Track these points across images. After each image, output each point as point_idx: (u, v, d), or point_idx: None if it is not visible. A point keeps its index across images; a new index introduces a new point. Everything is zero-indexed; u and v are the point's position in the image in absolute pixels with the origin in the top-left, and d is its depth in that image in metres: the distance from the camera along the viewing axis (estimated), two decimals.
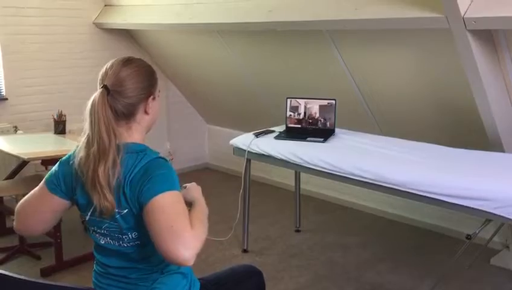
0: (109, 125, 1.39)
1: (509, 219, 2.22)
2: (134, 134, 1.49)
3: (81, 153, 1.43)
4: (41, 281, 1.58)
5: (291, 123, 3.36)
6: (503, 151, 2.91)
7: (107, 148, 1.38)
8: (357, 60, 3.37)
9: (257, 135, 3.24)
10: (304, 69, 3.76)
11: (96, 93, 1.42)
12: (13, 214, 1.56)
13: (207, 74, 4.61)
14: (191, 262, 1.31)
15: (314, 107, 3.30)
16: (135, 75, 1.46)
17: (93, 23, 4.61)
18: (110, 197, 1.39)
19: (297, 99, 3.34)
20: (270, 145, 3.11)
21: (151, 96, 1.51)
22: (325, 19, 2.99)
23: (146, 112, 1.50)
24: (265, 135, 3.26)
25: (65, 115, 3.92)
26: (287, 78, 3.96)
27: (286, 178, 4.39)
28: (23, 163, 3.70)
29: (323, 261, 3.35)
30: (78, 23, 4.52)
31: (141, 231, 1.43)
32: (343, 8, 2.90)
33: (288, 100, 3.36)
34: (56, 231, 3.19)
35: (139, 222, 1.42)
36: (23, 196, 3.74)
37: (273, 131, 3.35)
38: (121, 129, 1.45)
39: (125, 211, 1.42)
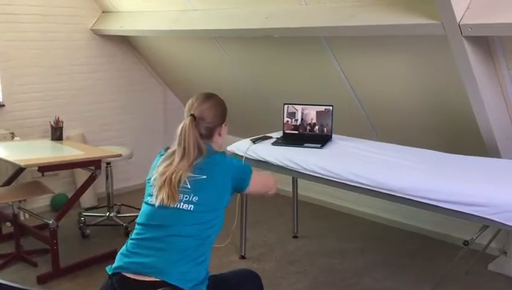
0: (196, 141, 1.87)
1: (506, 225, 2.22)
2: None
3: (167, 159, 1.88)
4: (37, 289, 1.57)
5: (288, 129, 3.37)
6: (499, 157, 2.91)
7: (190, 157, 1.84)
8: (354, 66, 3.38)
9: (254, 141, 3.24)
10: (301, 75, 3.77)
11: (186, 120, 1.90)
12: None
13: (204, 79, 4.62)
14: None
15: (311, 113, 3.30)
16: (213, 108, 1.97)
17: (91, 29, 4.61)
18: (176, 197, 1.79)
19: (294, 105, 3.35)
20: (267, 151, 3.11)
21: (224, 123, 2.02)
22: (321, 25, 3.00)
23: (220, 134, 2.01)
24: (263, 141, 3.26)
25: (62, 122, 3.92)
26: (284, 84, 3.97)
27: (283, 184, 4.38)
28: (20, 170, 3.69)
29: (321, 267, 3.35)
30: (76, 29, 4.52)
31: (202, 198, 1.80)
32: (339, 15, 2.91)
33: (285, 106, 3.37)
34: (53, 237, 3.18)
35: (206, 191, 1.81)
36: (20, 202, 3.74)
37: (270, 137, 3.35)
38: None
39: (202, 177, 1.83)
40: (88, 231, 3.88)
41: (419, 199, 2.44)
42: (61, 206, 3.49)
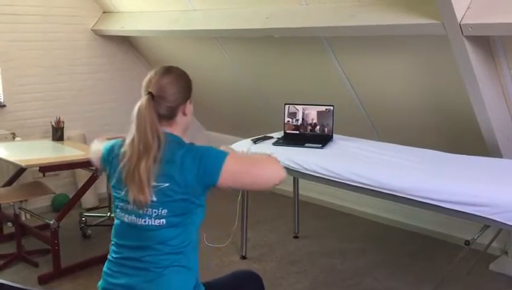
0: (153, 126, 1.60)
1: (508, 225, 2.22)
2: (175, 132, 1.70)
3: (127, 150, 1.62)
4: (38, 289, 1.58)
5: (289, 129, 3.37)
6: (501, 156, 2.91)
7: (150, 145, 1.58)
8: (354, 66, 3.37)
9: (255, 141, 3.24)
10: (302, 75, 3.77)
11: (143, 99, 1.63)
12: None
13: (205, 80, 4.62)
14: (283, 173, 1.68)
15: (312, 113, 3.30)
16: (175, 82, 1.69)
17: (92, 30, 4.62)
18: (146, 191, 1.57)
19: (295, 106, 3.34)
20: (268, 151, 3.10)
21: (189, 100, 1.73)
22: (321, 26, 3.00)
23: (184, 114, 1.71)
24: (263, 141, 3.26)
25: (63, 122, 3.92)
26: (285, 84, 3.97)
27: (284, 184, 4.35)
28: (21, 170, 3.69)
29: (322, 267, 3.35)
30: (76, 30, 4.53)
31: (171, 210, 1.60)
32: (339, 15, 2.91)
33: (286, 106, 3.37)
34: (54, 238, 3.18)
35: (173, 200, 1.59)
36: (21, 202, 3.74)
37: (271, 137, 3.34)
38: (163, 128, 1.66)
39: (165, 185, 1.58)
40: (89, 231, 3.88)
41: (420, 199, 2.44)
42: (62, 206, 3.49)
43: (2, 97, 4.17)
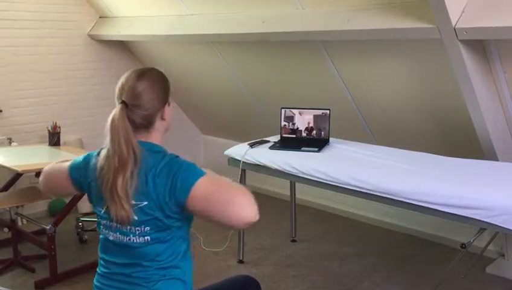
0: (128, 139, 1.50)
1: (504, 228, 2.22)
2: (153, 138, 1.61)
3: (103, 164, 1.53)
4: None
5: (285, 133, 3.37)
6: (496, 159, 2.92)
7: (126, 160, 1.49)
8: (351, 70, 3.39)
9: (252, 145, 3.24)
10: (298, 79, 3.78)
11: (116, 109, 1.53)
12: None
13: (202, 84, 4.62)
14: (257, 216, 1.47)
15: (309, 117, 3.30)
16: (150, 87, 1.56)
17: (88, 34, 4.62)
18: (127, 206, 1.49)
19: (292, 109, 3.35)
20: (264, 155, 3.11)
21: (167, 104, 1.61)
22: (317, 30, 3.01)
23: (163, 118, 1.60)
24: (260, 145, 3.27)
25: (59, 127, 3.91)
26: (282, 88, 3.98)
27: (282, 188, 4.39)
28: (17, 175, 3.68)
29: (320, 271, 3.35)
30: (73, 34, 4.53)
31: (154, 227, 1.53)
32: (335, 19, 2.93)
33: (283, 110, 3.37)
34: (50, 243, 3.18)
35: (154, 218, 1.51)
36: (18, 208, 3.73)
37: (267, 141, 3.35)
38: (140, 137, 1.57)
39: (144, 203, 1.51)
40: (86, 237, 3.87)
41: (417, 203, 2.44)
42: (59, 211, 3.48)
43: None
